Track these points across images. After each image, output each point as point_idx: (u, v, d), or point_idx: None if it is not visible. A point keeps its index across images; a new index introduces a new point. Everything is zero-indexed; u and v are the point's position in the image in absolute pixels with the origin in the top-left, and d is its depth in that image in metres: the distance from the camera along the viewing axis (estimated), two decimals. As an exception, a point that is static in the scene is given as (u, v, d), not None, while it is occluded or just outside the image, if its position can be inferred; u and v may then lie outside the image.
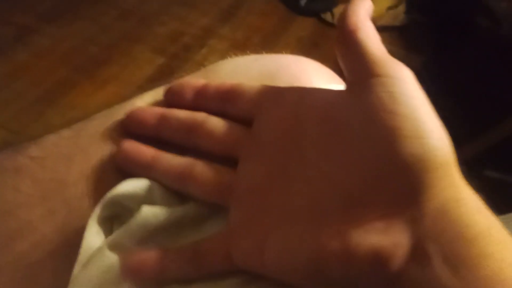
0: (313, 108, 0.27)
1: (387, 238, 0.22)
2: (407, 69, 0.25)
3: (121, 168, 0.30)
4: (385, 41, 0.27)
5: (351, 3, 0.28)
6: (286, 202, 0.26)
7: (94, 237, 0.29)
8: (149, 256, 0.28)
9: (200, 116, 0.31)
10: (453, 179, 0.23)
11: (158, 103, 0.34)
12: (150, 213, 0.28)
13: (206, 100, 0.32)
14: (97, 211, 0.29)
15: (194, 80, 0.33)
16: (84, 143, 0.32)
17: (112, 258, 0.28)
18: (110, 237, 0.28)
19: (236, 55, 0.36)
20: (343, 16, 0.27)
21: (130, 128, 0.32)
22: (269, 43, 1.62)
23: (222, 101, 0.31)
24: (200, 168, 0.29)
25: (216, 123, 0.30)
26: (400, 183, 0.23)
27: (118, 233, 0.28)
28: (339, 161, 0.25)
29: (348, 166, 0.25)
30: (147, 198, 0.30)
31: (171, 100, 0.33)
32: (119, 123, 0.33)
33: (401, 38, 1.63)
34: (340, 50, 0.27)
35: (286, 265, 0.25)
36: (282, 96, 0.29)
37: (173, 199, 0.30)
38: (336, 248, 0.23)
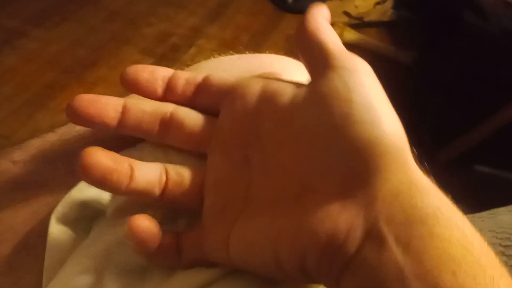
0: (273, 99, 0.28)
1: (341, 222, 0.23)
2: (364, 62, 0.26)
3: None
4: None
5: (309, 9, 0.29)
6: (249, 194, 0.27)
7: (58, 235, 0.29)
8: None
9: (168, 107, 0.29)
10: (405, 163, 0.24)
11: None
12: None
13: (175, 90, 0.30)
14: (58, 210, 0.29)
15: (162, 68, 0.31)
16: (68, 147, 0.32)
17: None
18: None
19: (225, 54, 0.36)
20: (304, 20, 0.28)
21: (88, 124, 0.29)
22: (258, 42, 1.62)
23: (191, 94, 0.30)
24: (172, 170, 0.29)
25: (186, 115, 0.29)
26: (351, 167, 0.23)
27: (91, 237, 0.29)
28: (294, 150, 0.26)
29: (302, 154, 0.25)
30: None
31: (138, 86, 0.30)
32: None
33: (390, 34, 1.63)
34: (299, 44, 0.28)
35: (248, 258, 0.25)
36: (247, 87, 0.29)
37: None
38: (291, 239, 0.24)
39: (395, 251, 0.21)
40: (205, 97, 0.30)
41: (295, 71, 0.35)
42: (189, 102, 0.30)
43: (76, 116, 0.28)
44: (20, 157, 0.31)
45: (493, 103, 1.22)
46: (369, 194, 0.23)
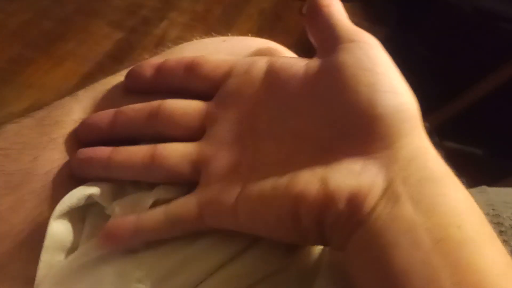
0: (282, 72, 0.29)
1: (364, 179, 0.24)
2: (373, 37, 0.28)
3: (79, 178, 0.30)
4: (347, 12, 0.30)
5: None
6: (256, 160, 0.28)
7: (59, 228, 0.28)
8: (123, 220, 0.28)
9: (156, 102, 0.30)
10: (420, 130, 0.26)
11: (118, 86, 0.33)
12: (123, 207, 0.29)
13: (167, 76, 0.31)
14: (58, 210, 0.28)
15: (154, 59, 0.32)
16: (49, 132, 0.31)
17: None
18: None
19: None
20: None
21: (85, 137, 0.31)
22: (231, 15, 1.59)
23: (184, 74, 0.31)
24: (161, 147, 0.29)
25: (174, 105, 0.30)
26: (376, 131, 0.25)
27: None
28: (307, 117, 0.27)
29: (319, 120, 0.27)
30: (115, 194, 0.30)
31: (132, 83, 0.32)
32: (84, 110, 0.32)
33: (364, 10, 1.63)
34: (311, 22, 0.30)
35: (260, 219, 0.27)
36: (251, 64, 0.30)
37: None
38: (314, 192, 0.25)
39: (408, 208, 0.23)
40: (201, 76, 0.31)
41: (285, 54, 0.35)
42: (183, 85, 0.31)
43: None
44: (0, 144, 0.30)
45: (464, 80, 1.24)
46: (390, 156, 0.25)
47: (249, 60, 0.31)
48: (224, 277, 0.28)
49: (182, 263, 0.28)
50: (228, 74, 0.30)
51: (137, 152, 0.29)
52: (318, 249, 0.30)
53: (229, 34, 0.37)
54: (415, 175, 0.24)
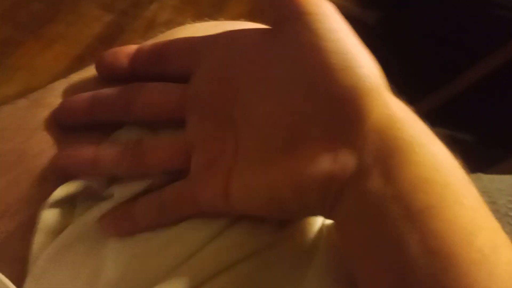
0: (244, 51, 0.28)
1: (336, 164, 0.25)
2: (329, 5, 0.27)
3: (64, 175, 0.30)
4: None
5: None
6: (237, 146, 0.28)
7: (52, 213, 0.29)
8: (120, 211, 0.29)
9: (134, 86, 0.30)
10: (384, 100, 0.25)
11: None
12: (121, 191, 0.29)
13: (141, 65, 0.31)
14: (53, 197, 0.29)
15: (126, 47, 0.32)
16: (43, 113, 0.31)
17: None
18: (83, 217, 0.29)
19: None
20: None
21: (64, 121, 0.31)
22: (222, -1, 1.58)
23: (158, 62, 0.31)
24: (148, 139, 0.30)
25: (152, 89, 0.30)
26: (337, 112, 0.25)
27: (91, 212, 0.29)
28: (275, 101, 0.27)
29: (284, 105, 0.26)
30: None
31: (105, 71, 0.32)
32: (77, 90, 0.32)
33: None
34: None
35: (250, 202, 0.27)
36: (214, 43, 0.30)
37: None
38: (289, 183, 0.26)
39: (379, 181, 0.24)
40: (173, 63, 0.31)
41: None
42: (159, 71, 0.31)
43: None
44: None
45: (455, 66, 1.24)
46: (356, 134, 0.25)
47: (212, 39, 0.30)
48: (211, 251, 0.28)
49: (166, 243, 0.28)
50: (198, 56, 0.30)
51: (124, 150, 0.29)
52: (314, 225, 0.31)
53: (220, 18, 0.37)
54: (383, 148, 0.24)
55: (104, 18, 1.42)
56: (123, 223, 0.29)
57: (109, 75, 0.32)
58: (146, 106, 0.30)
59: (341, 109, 0.25)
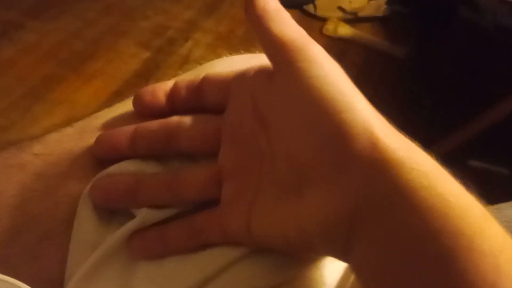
0: (265, 87, 0.29)
1: (332, 212, 0.25)
2: (318, 46, 0.27)
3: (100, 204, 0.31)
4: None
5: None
6: (260, 179, 0.29)
7: (86, 224, 0.30)
8: (152, 234, 0.30)
9: (173, 120, 0.31)
10: (376, 141, 0.25)
11: None
12: (151, 214, 0.30)
13: (179, 101, 0.32)
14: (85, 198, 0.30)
15: (162, 83, 0.33)
16: (87, 140, 0.32)
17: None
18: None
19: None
20: (249, 4, 0.29)
21: (103, 155, 0.31)
22: (253, 35, 1.60)
23: (194, 98, 0.32)
24: (186, 170, 0.31)
25: (191, 122, 0.31)
26: (332, 156, 0.25)
27: (122, 231, 0.30)
28: (293, 138, 0.27)
29: (299, 143, 0.26)
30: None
31: (144, 109, 0.32)
32: (120, 121, 0.33)
33: (384, 29, 1.64)
34: (257, 35, 0.29)
35: (266, 236, 0.28)
36: (242, 78, 0.31)
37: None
38: (294, 225, 0.26)
39: (390, 224, 0.24)
40: (209, 98, 0.32)
41: None
42: (196, 106, 0.32)
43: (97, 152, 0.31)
44: (40, 150, 0.32)
45: (487, 98, 1.22)
46: (349, 179, 0.25)
47: (241, 75, 0.31)
48: (227, 278, 0.29)
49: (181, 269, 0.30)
50: (230, 90, 0.31)
51: (162, 182, 0.30)
52: (326, 264, 0.32)
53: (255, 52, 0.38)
54: (378, 193, 0.24)
55: (141, 55, 1.48)
56: (155, 246, 0.29)
57: (149, 113, 0.32)
58: (187, 139, 0.31)
59: (335, 153, 0.25)
